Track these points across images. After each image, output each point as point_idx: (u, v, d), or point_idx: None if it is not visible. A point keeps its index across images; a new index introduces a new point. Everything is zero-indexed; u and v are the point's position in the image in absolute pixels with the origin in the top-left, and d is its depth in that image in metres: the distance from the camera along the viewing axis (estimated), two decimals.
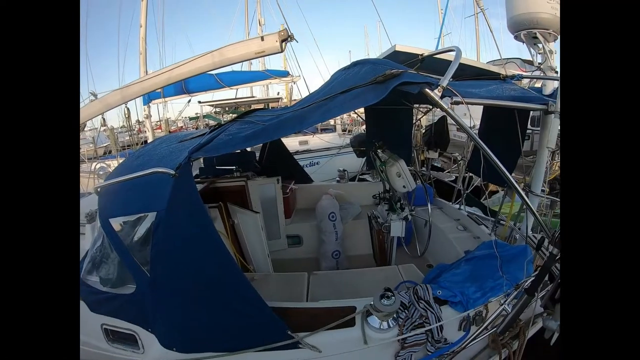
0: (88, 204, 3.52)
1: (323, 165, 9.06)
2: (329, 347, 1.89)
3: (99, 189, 2.40)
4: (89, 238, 3.04)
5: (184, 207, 1.90)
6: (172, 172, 1.81)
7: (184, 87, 10.29)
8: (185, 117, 19.27)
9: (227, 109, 13.63)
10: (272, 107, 11.79)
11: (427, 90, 1.72)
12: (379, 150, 3.29)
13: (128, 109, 7.41)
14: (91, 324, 2.40)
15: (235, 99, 13.79)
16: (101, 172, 6.06)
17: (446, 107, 1.76)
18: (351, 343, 1.90)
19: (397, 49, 3.19)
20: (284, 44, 3.14)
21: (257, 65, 15.72)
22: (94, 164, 7.59)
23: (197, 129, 18.31)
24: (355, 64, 2.52)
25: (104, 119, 5.62)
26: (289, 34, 3.14)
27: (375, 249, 3.92)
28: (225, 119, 13.09)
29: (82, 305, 2.44)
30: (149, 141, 10.13)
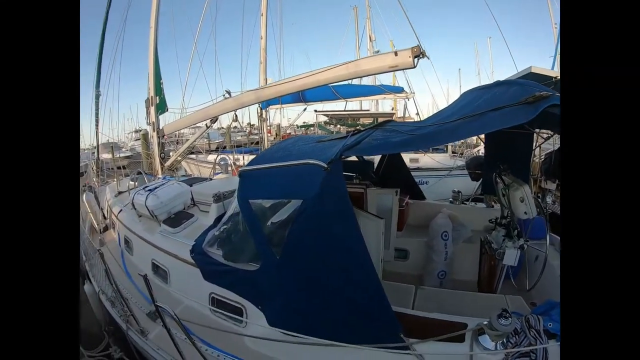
0: (213, 187, 3.96)
1: (432, 185, 8.71)
2: (433, 358, 1.88)
3: (242, 173, 2.50)
4: (212, 215, 3.36)
5: (331, 198, 1.98)
6: (325, 165, 1.95)
7: (301, 95, 10.74)
8: (294, 124, 20.35)
9: (334, 120, 14.03)
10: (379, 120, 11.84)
11: None
12: (502, 174, 3.20)
13: (262, 109, 8.07)
14: (199, 291, 2.60)
15: (346, 110, 14.06)
16: (222, 163, 6.71)
17: None
18: (456, 358, 1.89)
19: (532, 71, 3.19)
20: (416, 59, 3.20)
21: (367, 79, 15.96)
22: (215, 155, 8.52)
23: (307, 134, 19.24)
24: (498, 84, 2.53)
25: (236, 116, 6.16)
26: (421, 50, 3.19)
27: (482, 275, 3.76)
28: (335, 130, 13.52)
29: (195, 272, 2.66)
30: (263, 143, 11.01)
